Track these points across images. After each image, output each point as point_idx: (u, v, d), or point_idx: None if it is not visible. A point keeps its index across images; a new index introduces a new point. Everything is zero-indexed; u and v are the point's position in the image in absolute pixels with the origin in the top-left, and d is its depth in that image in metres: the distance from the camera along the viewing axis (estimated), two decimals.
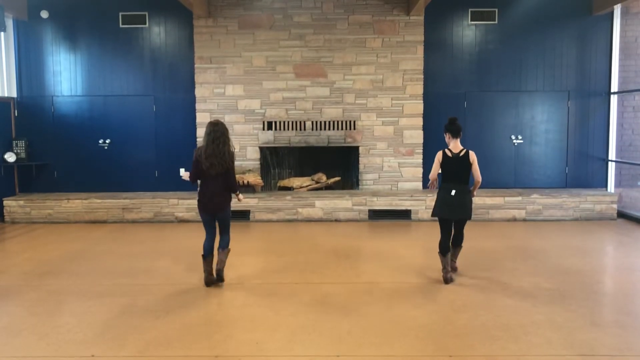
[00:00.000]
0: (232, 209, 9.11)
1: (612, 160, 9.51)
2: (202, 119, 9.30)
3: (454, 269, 5.80)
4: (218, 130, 5.19)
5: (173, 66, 9.50)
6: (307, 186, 9.32)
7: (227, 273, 5.97)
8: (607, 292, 5.46)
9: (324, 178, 9.43)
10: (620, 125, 9.48)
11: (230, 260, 6.50)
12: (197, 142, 9.34)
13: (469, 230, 8.20)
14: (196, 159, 5.22)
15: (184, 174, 5.51)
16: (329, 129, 9.33)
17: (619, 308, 4.82)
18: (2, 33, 9.13)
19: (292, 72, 9.27)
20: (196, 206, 8.81)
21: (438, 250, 5.56)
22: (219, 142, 5.16)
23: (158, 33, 9.48)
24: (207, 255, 5.37)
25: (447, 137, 5.63)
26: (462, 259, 6.40)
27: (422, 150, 9.40)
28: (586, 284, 5.43)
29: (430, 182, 5.71)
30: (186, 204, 8.89)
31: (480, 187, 9.46)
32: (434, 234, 8.05)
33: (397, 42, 9.23)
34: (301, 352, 3.89)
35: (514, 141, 9.53)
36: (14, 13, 9.18)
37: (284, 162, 9.79)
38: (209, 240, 5.42)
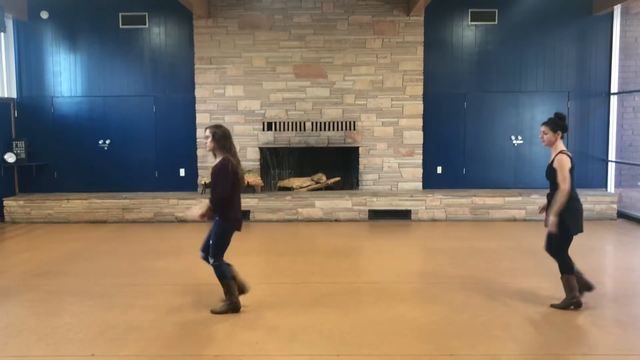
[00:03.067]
0: None
1: (612, 161, 9.51)
2: (202, 119, 9.31)
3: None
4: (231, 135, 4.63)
5: (173, 67, 9.51)
6: (307, 186, 9.33)
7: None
8: (607, 292, 5.45)
9: (324, 178, 9.43)
10: (620, 125, 9.49)
11: (231, 261, 6.49)
12: (198, 143, 9.35)
13: (469, 230, 8.25)
14: (233, 171, 4.48)
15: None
16: (329, 129, 9.33)
17: (619, 308, 4.82)
18: (2, 33, 9.13)
19: (292, 73, 9.27)
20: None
21: (568, 272, 4.63)
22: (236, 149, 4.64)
23: (158, 33, 9.48)
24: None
25: (559, 136, 4.62)
26: (463, 259, 6.40)
27: (422, 151, 9.40)
28: None
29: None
30: (186, 204, 8.89)
31: (480, 187, 9.55)
32: (434, 234, 8.09)
33: (397, 42, 9.24)
34: (301, 352, 3.89)
35: (514, 141, 9.53)
36: (14, 13, 9.18)
37: (283, 163, 9.79)
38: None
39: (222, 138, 4.51)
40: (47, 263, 6.39)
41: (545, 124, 4.67)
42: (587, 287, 4.75)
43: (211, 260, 4.61)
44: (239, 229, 4.69)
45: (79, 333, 4.24)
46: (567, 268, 4.64)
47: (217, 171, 4.50)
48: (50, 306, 4.86)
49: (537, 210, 8.80)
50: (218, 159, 4.56)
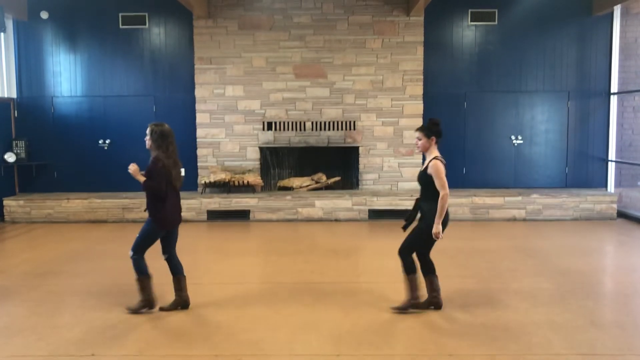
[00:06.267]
0: (232, 209, 9.14)
1: (612, 160, 9.51)
2: (202, 119, 9.31)
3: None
4: (173, 135, 4.60)
5: (173, 67, 9.51)
6: (307, 186, 9.33)
7: (227, 272, 5.99)
8: (607, 292, 5.46)
9: (324, 178, 9.43)
10: (620, 125, 9.49)
11: (231, 261, 6.50)
12: (198, 143, 9.35)
13: (470, 230, 8.24)
14: (163, 172, 4.52)
15: (134, 169, 4.64)
16: (329, 129, 9.33)
17: (619, 308, 4.82)
18: (2, 33, 9.13)
19: (292, 73, 9.27)
20: (196, 206, 8.85)
21: (412, 270, 4.64)
22: (177, 151, 4.61)
23: (158, 34, 9.48)
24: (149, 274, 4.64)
25: (433, 142, 4.54)
26: (463, 259, 6.40)
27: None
28: (586, 284, 5.43)
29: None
30: (186, 204, 8.88)
31: (481, 187, 9.54)
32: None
33: (397, 42, 9.24)
34: (301, 352, 3.89)
35: (514, 141, 9.53)
36: (14, 13, 9.18)
37: (283, 162, 9.78)
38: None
39: (158, 137, 4.54)
40: (47, 263, 6.39)
41: (419, 129, 4.57)
42: (419, 304, 4.63)
43: (131, 253, 4.59)
44: (169, 229, 4.66)
45: (79, 333, 4.24)
46: (409, 268, 4.60)
47: (149, 170, 4.53)
48: (50, 306, 4.86)
49: (536, 209, 8.84)
50: (152, 156, 4.57)
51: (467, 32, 9.48)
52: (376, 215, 8.85)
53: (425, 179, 4.51)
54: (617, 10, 9.23)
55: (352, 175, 9.62)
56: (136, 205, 8.86)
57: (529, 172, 9.58)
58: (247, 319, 4.50)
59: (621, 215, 8.99)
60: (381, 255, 6.66)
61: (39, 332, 4.26)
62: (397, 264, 6.28)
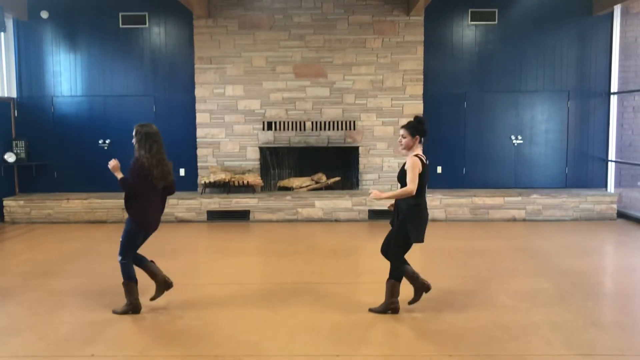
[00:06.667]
0: (231, 209, 9.14)
1: (612, 161, 9.51)
2: (202, 119, 9.31)
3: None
4: (159, 135, 4.57)
5: (173, 66, 9.50)
6: (307, 186, 9.33)
7: (227, 273, 5.99)
8: (607, 292, 5.46)
9: (323, 178, 9.43)
10: (620, 125, 9.48)
11: (231, 261, 6.51)
12: (198, 143, 9.35)
13: (469, 230, 8.24)
14: (142, 173, 4.45)
15: (114, 165, 4.61)
16: (329, 129, 9.33)
17: (619, 308, 4.83)
18: (2, 33, 9.13)
19: (292, 73, 9.27)
20: (196, 206, 8.85)
21: (396, 278, 4.54)
22: (163, 150, 4.59)
23: (158, 33, 9.48)
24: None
25: (417, 141, 4.49)
26: (462, 259, 6.40)
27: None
28: (586, 284, 5.43)
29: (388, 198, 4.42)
30: (186, 204, 8.89)
31: (481, 187, 9.54)
32: (434, 234, 8.04)
33: (397, 42, 9.23)
34: (301, 352, 3.89)
35: (514, 141, 9.53)
36: (14, 13, 9.18)
37: (283, 163, 9.78)
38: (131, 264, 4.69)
39: (143, 137, 4.50)
40: (47, 263, 6.40)
41: (404, 127, 4.49)
42: (423, 287, 4.62)
43: (119, 257, 4.62)
44: (148, 230, 4.65)
45: (79, 333, 4.24)
46: (397, 274, 4.51)
47: (129, 169, 4.53)
48: (50, 306, 4.86)
49: (536, 210, 8.85)
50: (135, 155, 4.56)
51: (467, 32, 9.48)
52: (376, 215, 8.85)
53: (403, 176, 4.41)
54: (617, 9, 9.23)
55: (352, 176, 9.61)
56: None
57: (529, 172, 9.58)
58: (247, 320, 4.50)
59: (621, 215, 8.99)
60: (381, 256, 6.65)
61: (39, 332, 4.26)
62: None
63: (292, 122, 9.31)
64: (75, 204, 8.95)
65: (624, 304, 4.94)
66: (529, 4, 9.40)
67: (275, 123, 9.32)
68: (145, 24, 9.42)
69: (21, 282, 5.62)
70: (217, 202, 8.88)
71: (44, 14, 9.39)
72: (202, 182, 9.01)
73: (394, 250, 4.52)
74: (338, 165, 9.72)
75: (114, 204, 8.90)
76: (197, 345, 4.00)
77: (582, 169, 9.61)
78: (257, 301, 4.95)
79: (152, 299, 4.77)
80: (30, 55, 9.53)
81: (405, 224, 4.39)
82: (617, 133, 9.50)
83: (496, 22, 9.41)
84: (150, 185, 4.54)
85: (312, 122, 9.31)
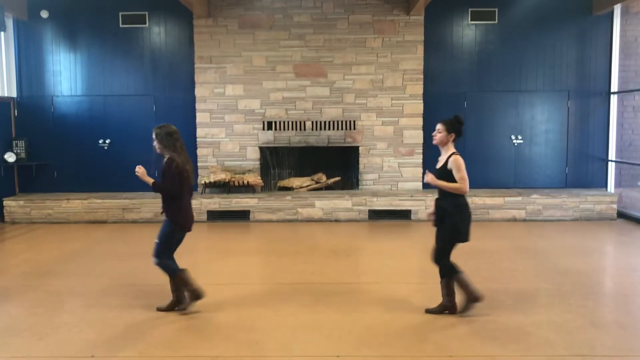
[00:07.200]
0: (231, 209, 9.16)
1: (612, 160, 9.51)
2: (202, 119, 9.31)
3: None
4: (178, 133, 4.55)
5: (173, 66, 9.50)
6: (307, 186, 9.32)
7: (227, 273, 5.99)
8: (607, 292, 5.46)
9: (323, 178, 9.43)
10: (620, 125, 9.48)
11: (231, 261, 6.51)
12: (198, 143, 9.35)
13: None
14: (178, 171, 4.41)
15: (142, 172, 4.52)
16: (329, 129, 9.33)
17: (619, 308, 4.83)
18: (2, 33, 9.13)
19: (292, 72, 9.27)
20: (196, 206, 8.83)
21: (457, 274, 4.50)
22: (184, 146, 4.57)
23: (158, 33, 9.47)
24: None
25: (451, 138, 4.58)
26: (462, 259, 6.39)
27: (422, 150, 9.40)
28: (586, 284, 5.43)
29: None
30: None
31: (481, 187, 9.53)
32: (434, 234, 8.05)
33: (397, 41, 9.23)
34: (301, 352, 3.89)
35: (514, 141, 9.53)
36: (14, 13, 9.17)
37: (284, 162, 9.78)
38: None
39: (164, 138, 4.46)
40: (47, 263, 6.40)
41: (442, 122, 4.52)
42: (473, 297, 4.50)
43: (155, 260, 4.58)
44: (189, 230, 4.65)
45: (79, 333, 4.24)
46: (447, 270, 4.48)
47: (163, 171, 4.46)
48: (50, 306, 4.86)
49: (536, 210, 8.84)
50: (165, 158, 4.53)
51: (467, 31, 9.48)
52: (376, 215, 8.85)
53: (444, 175, 4.43)
54: (617, 9, 9.22)
55: (352, 175, 9.61)
56: (136, 205, 8.86)
57: (529, 172, 9.57)
58: (247, 320, 4.50)
59: (621, 215, 8.98)
60: (381, 256, 6.67)
61: (39, 332, 4.26)
62: (397, 264, 6.30)
63: (292, 122, 9.30)
64: (75, 204, 8.95)
65: (623, 304, 4.94)
66: (529, 3, 9.40)
67: (275, 123, 9.32)
68: (145, 23, 9.41)
69: (21, 282, 5.62)
70: (217, 202, 8.88)
71: (44, 14, 9.38)
72: (202, 182, 9.01)
73: (439, 249, 4.50)
74: (338, 165, 9.72)
75: (114, 204, 8.90)
76: (197, 346, 4.00)
77: (582, 168, 9.61)
78: (257, 301, 4.95)
79: (160, 309, 4.69)
80: (30, 54, 9.53)
81: (453, 223, 4.39)
82: (617, 133, 9.49)
83: (496, 21, 9.40)
84: (185, 184, 4.51)
85: (312, 122, 9.31)
